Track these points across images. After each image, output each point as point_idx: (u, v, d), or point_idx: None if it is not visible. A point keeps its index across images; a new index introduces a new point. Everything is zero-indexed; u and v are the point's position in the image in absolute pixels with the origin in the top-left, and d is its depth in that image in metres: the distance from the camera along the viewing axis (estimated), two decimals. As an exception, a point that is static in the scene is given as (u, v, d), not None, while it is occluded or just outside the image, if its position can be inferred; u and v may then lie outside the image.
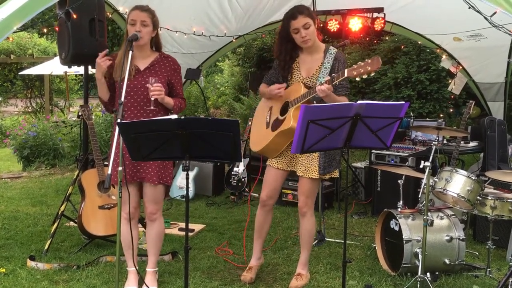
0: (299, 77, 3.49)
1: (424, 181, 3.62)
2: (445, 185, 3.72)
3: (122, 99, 2.95)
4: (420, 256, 3.54)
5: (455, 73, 6.44)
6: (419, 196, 4.04)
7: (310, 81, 3.44)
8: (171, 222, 5.04)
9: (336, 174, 3.57)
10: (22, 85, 14.32)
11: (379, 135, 2.89)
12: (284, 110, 3.49)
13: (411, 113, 6.54)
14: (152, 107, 3.26)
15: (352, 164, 6.29)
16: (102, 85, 3.38)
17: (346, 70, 3.07)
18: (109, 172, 2.86)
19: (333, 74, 3.17)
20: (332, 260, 4.10)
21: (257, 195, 3.70)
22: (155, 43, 3.47)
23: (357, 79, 3.08)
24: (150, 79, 3.24)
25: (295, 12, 3.36)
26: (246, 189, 6.06)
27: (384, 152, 5.32)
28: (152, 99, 3.24)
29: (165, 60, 3.45)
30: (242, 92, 11.94)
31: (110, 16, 5.46)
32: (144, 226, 4.39)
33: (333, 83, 3.14)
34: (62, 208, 4.46)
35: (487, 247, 3.81)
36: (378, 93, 9.01)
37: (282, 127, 3.41)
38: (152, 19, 3.34)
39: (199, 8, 5.79)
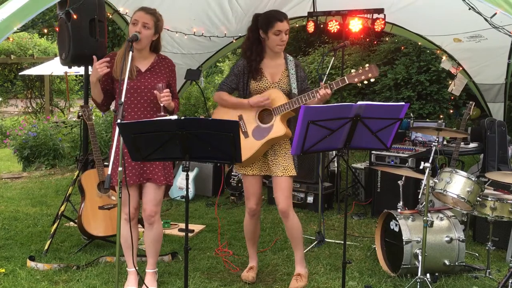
0: (266, 82, 3.51)
1: (424, 182, 3.61)
2: (445, 186, 3.71)
3: (122, 99, 2.95)
4: (420, 257, 3.54)
5: (455, 74, 6.44)
6: (419, 197, 4.04)
7: (279, 86, 3.49)
8: (171, 223, 5.04)
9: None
10: (22, 86, 14.33)
11: (379, 136, 2.89)
12: (262, 117, 3.49)
13: (411, 114, 6.55)
14: (162, 113, 3.27)
15: (352, 165, 6.29)
16: (96, 87, 3.36)
17: (345, 77, 3.24)
18: (109, 172, 2.87)
19: (329, 82, 3.30)
20: (332, 261, 4.10)
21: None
22: (155, 46, 3.46)
23: (365, 82, 3.27)
24: (158, 86, 3.25)
25: (281, 16, 3.43)
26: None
27: (384, 153, 5.32)
28: (162, 105, 3.25)
29: (163, 62, 3.46)
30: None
31: (110, 16, 5.46)
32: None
33: (333, 89, 3.28)
34: (62, 208, 4.47)
35: (487, 248, 3.80)
36: (378, 94, 9.02)
37: (273, 134, 3.40)
38: (155, 23, 3.33)
39: (199, 9, 5.79)
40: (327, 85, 3.27)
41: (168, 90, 3.26)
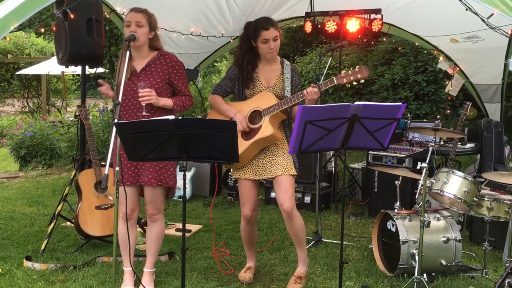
0: (261, 86, 3.52)
1: (421, 182, 3.62)
2: (442, 186, 3.72)
3: (119, 99, 2.95)
4: (416, 257, 3.55)
5: (452, 74, 6.45)
6: (416, 197, 4.05)
7: (273, 90, 3.51)
8: (168, 223, 5.03)
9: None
10: (19, 85, 14.30)
11: (376, 136, 2.89)
12: (253, 119, 3.49)
13: (408, 114, 6.55)
14: (144, 113, 3.24)
15: (349, 165, 6.30)
16: None
17: (334, 78, 3.23)
18: (106, 172, 2.86)
19: (318, 83, 3.30)
20: (329, 261, 4.10)
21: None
22: (154, 45, 3.43)
23: (354, 82, 3.26)
24: (139, 84, 3.22)
25: (268, 23, 3.42)
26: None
27: (381, 153, 5.33)
28: (143, 104, 3.23)
29: (161, 59, 3.40)
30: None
31: (107, 16, 5.44)
32: (142, 227, 4.39)
33: (322, 89, 3.28)
34: (59, 208, 4.45)
35: (483, 248, 3.81)
36: (375, 94, 9.03)
37: (260, 135, 3.41)
38: (148, 20, 3.32)
39: (197, 9, 5.78)
40: (315, 85, 3.28)
41: (147, 89, 3.21)
